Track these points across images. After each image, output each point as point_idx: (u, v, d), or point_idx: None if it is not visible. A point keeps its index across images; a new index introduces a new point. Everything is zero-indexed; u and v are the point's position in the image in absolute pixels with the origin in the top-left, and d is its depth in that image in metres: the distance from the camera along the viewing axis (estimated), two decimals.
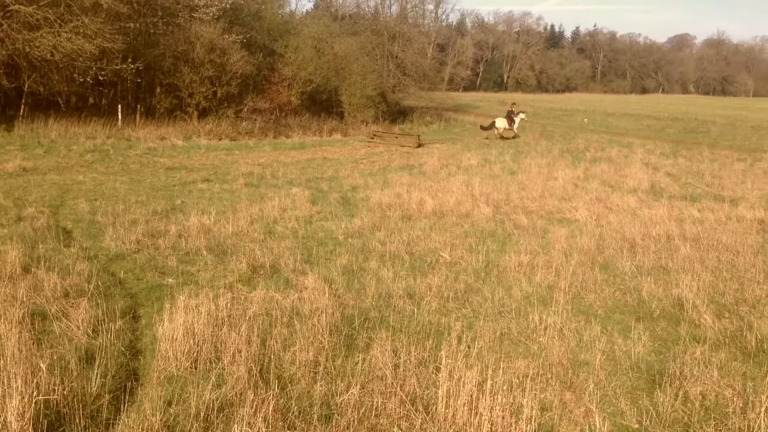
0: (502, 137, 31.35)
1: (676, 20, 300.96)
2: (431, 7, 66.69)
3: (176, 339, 5.69)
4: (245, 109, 29.22)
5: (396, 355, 5.77)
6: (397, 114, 40.22)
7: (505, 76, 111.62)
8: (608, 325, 7.04)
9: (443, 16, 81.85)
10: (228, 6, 29.08)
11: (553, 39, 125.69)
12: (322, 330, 6.24)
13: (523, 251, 9.86)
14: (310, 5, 61.87)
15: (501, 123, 31.69)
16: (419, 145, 27.53)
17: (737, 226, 12.52)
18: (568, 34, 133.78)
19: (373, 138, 29.34)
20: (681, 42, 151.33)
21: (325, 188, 15.85)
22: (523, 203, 14.27)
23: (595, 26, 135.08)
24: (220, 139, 25.48)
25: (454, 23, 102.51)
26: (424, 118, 40.85)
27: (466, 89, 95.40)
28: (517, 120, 31.94)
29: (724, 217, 13.50)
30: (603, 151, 26.67)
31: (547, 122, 43.73)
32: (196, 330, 5.83)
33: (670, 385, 5.56)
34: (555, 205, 14.13)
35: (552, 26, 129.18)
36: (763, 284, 8.67)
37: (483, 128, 32.29)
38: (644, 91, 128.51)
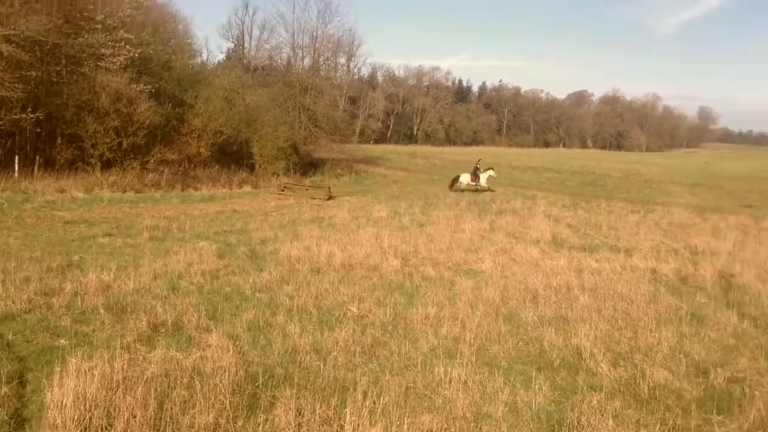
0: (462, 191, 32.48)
1: (575, 77, 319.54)
2: (343, 60, 67.75)
3: (66, 405, 5.39)
4: (152, 161, 28.53)
5: (300, 414, 5.67)
6: (308, 166, 40.31)
7: (415, 129, 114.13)
8: (511, 376, 7.17)
9: (355, 69, 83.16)
10: (136, 55, 28.59)
11: (461, 93, 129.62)
12: (224, 390, 6.07)
13: (431, 303, 9.97)
14: (222, 56, 61.66)
15: (465, 178, 33.39)
16: (330, 198, 27.63)
17: (631, 276, 13.12)
18: (475, 88, 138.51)
19: (283, 190, 29.23)
20: (580, 98, 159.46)
21: (233, 241, 15.59)
22: (431, 255, 14.47)
23: (500, 82, 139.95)
24: (124, 192, 24.72)
25: (365, 76, 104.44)
26: (335, 170, 41.12)
27: (377, 141, 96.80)
28: (483, 177, 33.30)
29: (619, 266, 14.11)
30: (508, 203, 27.56)
31: (454, 174, 44.78)
32: (88, 395, 5.55)
33: None
34: (462, 257, 14.40)
35: (460, 81, 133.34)
36: (656, 332, 9.07)
37: (450, 184, 33.78)
38: (546, 144, 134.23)
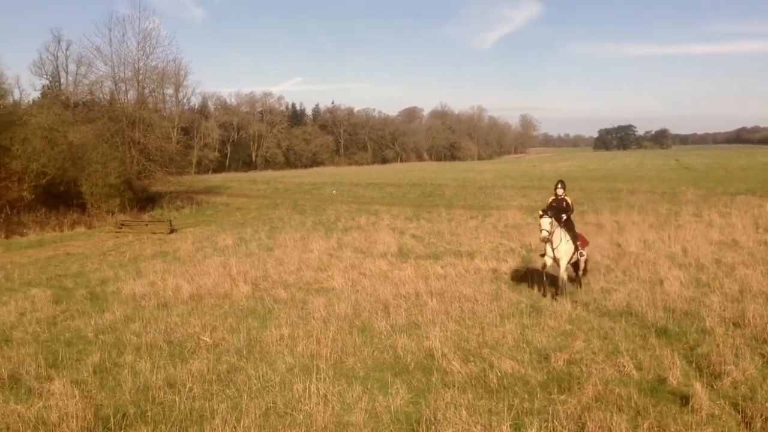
0: None
1: (405, 95, 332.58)
2: (171, 91, 65.77)
3: None
4: None
5: None
6: (145, 201, 38.80)
7: (254, 155, 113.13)
8: (369, 384, 7.37)
9: (184, 100, 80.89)
10: None
11: (296, 117, 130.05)
12: None
13: (284, 324, 9.99)
14: (36, 94, 57.32)
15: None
16: (172, 231, 26.75)
17: (475, 277, 13.84)
18: (309, 111, 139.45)
19: (121, 228, 27.92)
20: (411, 114, 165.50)
21: (70, 285, 14.72)
22: (281, 277, 14.45)
23: (333, 104, 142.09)
24: None
25: (196, 106, 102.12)
26: (175, 203, 39.84)
27: (215, 171, 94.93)
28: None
29: (463, 270, 14.80)
30: (353, 220, 28.03)
31: (298, 197, 44.92)
32: None
33: (427, 431, 5.95)
34: (312, 276, 14.51)
35: (293, 105, 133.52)
36: (500, 326, 9.66)
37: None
38: (384, 161, 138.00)
